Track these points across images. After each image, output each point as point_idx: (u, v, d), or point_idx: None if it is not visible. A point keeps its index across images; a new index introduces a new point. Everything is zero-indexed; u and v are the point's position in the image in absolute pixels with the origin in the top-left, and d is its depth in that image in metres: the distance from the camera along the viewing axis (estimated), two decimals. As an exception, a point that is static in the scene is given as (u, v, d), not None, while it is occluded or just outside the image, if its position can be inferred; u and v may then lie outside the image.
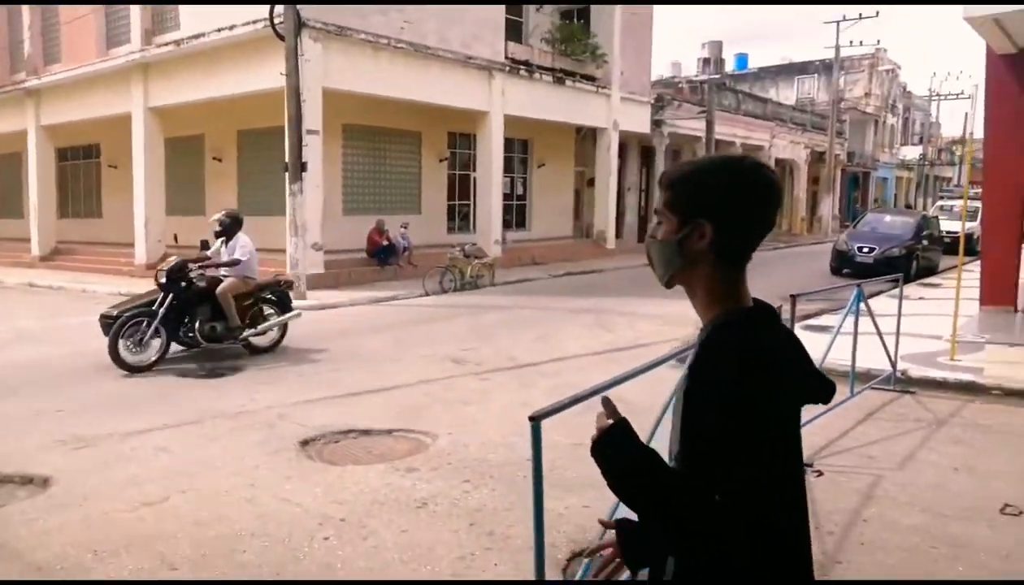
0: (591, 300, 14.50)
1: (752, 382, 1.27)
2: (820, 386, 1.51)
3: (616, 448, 1.39)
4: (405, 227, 18.59)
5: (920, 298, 13.62)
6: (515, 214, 24.47)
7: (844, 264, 18.29)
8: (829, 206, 36.48)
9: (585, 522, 4.29)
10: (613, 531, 1.50)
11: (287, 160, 14.16)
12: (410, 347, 10.00)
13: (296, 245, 14.40)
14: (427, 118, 20.03)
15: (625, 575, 1.56)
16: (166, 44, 17.35)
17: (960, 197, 31.55)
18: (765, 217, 1.41)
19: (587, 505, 4.55)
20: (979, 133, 11.26)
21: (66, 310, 13.86)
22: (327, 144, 16.91)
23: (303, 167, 14.13)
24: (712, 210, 1.38)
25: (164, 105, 18.50)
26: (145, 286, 16.16)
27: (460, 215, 22.40)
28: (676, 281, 1.48)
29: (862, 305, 7.30)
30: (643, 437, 3.47)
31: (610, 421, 1.43)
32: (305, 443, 5.94)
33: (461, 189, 22.34)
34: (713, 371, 1.32)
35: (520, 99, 20.68)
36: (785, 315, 5.86)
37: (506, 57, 20.27)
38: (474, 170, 21.56)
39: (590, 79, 23.37)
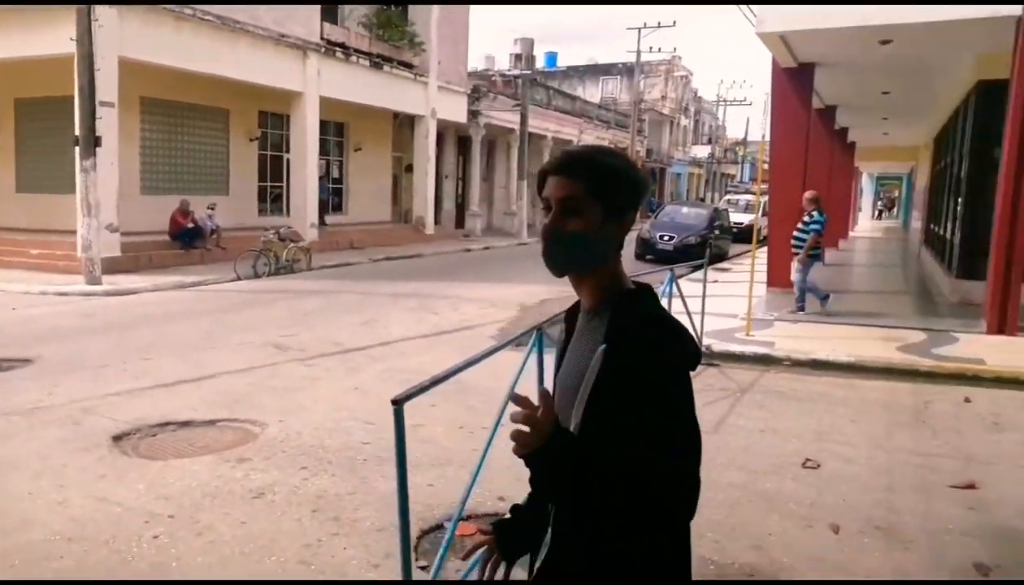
0: (414, 284, 14.45)
1: (686, 345, 1.34)
2: None
3: (562, 453, 1.27)
4: (212, 208, 17.50)
5: (715, 281, 14.81)
6: (331, 198, 23.84)
7: (648, 251, 19.54)
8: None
9: (431, 500, 4.29)
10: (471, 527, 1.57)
11: (78, 133, 12.83)
12: (226, 334, 9.47)
13: (89, 226, 13.12)
14: (236, 95, 18.95)
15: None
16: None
17: (745, 192, 34.78)
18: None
19: (431, 483, 4.56)
20: (768, 137, 12.45)
21: None
22: (123, 118, 15.52)
23: (96, 142, 12.88)
24: (634, 201, 1.44)
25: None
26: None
27: (272, 197, 21.47)
28: (590, 271, 1.46)
29: (674, 287, 7.85)
30: (492, 419, 3.56)
31: (548, 430, 1.27)
32: (118, 438, 5.46)
33: (273, 170, 21.41)
34: (655, 340, 1.32)
35: (337, 81, 20.12)
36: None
37: (322, 38, 19.62)
38: (287, 151, 20.74)
39: (408, 66, 23.19)
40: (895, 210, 56.48)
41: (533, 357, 3.95)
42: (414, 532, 3.95)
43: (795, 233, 10.62)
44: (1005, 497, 4.44)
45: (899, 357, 8.07)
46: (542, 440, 1.25)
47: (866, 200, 49.68)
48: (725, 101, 55.60)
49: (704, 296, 8.54)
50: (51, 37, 13.53)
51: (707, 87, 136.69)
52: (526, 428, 1.26)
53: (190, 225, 16.93)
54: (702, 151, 56.82)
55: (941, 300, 12.24)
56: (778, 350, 8.44)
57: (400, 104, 23.38)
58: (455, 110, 25.85)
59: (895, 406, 6.47)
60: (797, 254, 10.49)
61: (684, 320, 7.89)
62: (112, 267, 14.21)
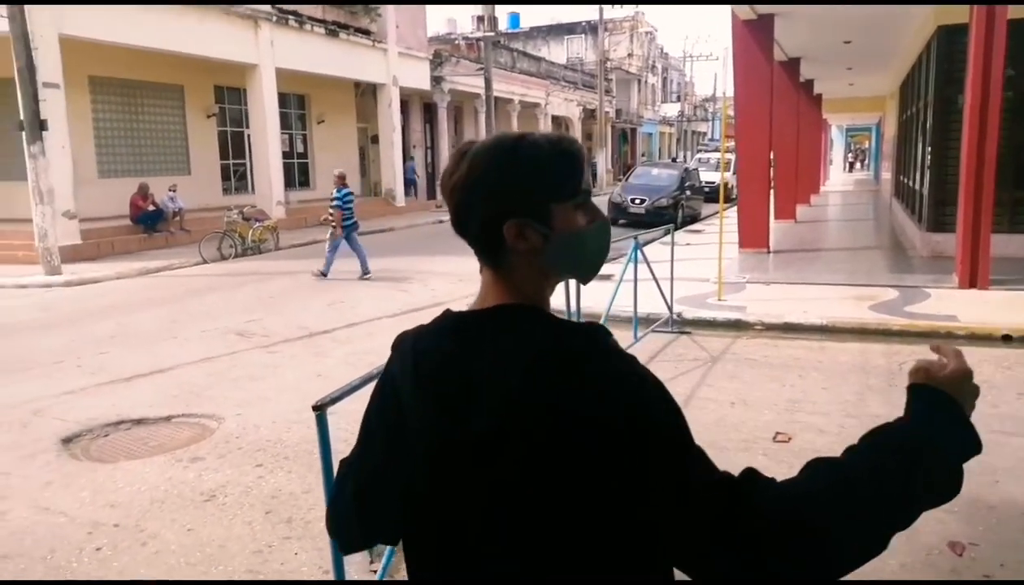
0: (384, 260, 14.15)
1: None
2: None
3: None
4: (173, 190, 17.05)
5: (687, 244, 14.67)
6: (297, 173, 23.35)
7: (619, 215, 19.33)
8: (603, 160, 38.41)
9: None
10: None
11: (22, 118, 12.33)
12: (188, 322, 9.19)
13: (43, 214, 12.68)
14: (189, 70, 18.39)
15: None
16: None
17: (716, 150, 34.59)
18: None
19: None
20: (731, 92, 12.22)
21: None
22: (73, 99, 15.00)
23: (42, 125, 12.39)
24: None
25: None
26: None
27: (236, 175, 20.99)
28: None
29: (641, 253, 7.68)
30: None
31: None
32: (68, 441, 5.24)
33: (235, 147, 20.90)
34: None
35: (292, 51, 19.56)
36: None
37: (273, 5, 19.01)
38: (247, 126, 20.23)
39: (365, 32, 22.63)
40: (866, 162, 56.69)
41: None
42: (372, 532, 3.79)
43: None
44: (978, 465, 4.32)
45: (871, 317, 7.99)
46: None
47: (837, 153, 49.78)
48: (692, 57, 55.16)
49: (672, 262, 8.37)
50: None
51: (673, 43, 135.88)
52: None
53: (151, 208, 16.51)
54: (672, 109, 56.44)
55: (913, 254, 12.20)
56: (750, 314, 8.32)
57: (360, 72, 22.84)
58: (418, 77, 25.33)
59: (868, 369, 6.39)
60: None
61: (653, 288, 7.80)
62: (73, 255, 13.82)
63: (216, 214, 16.86)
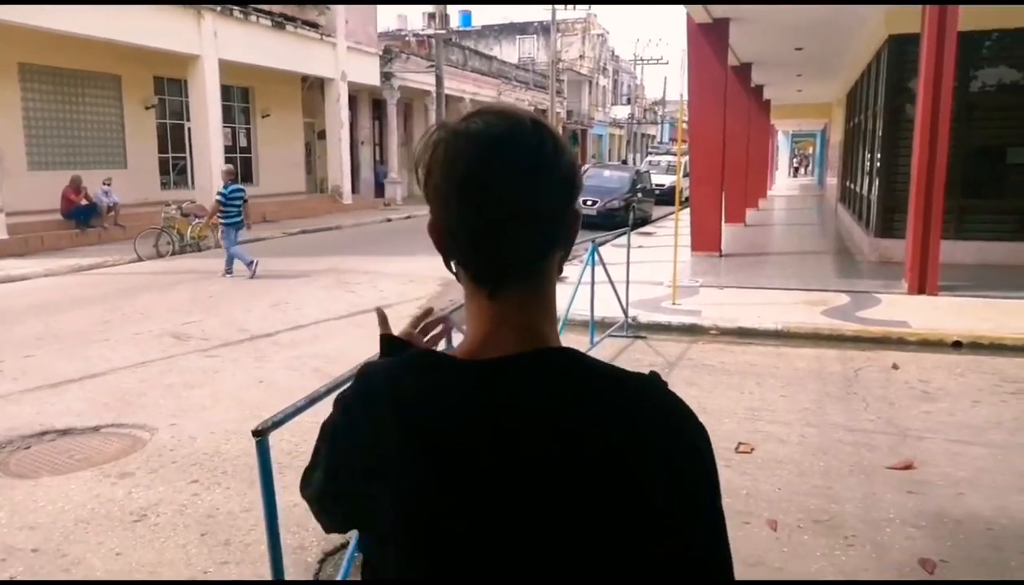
0: (330, 259, 13.80)
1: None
2: None
3: None
4: (108, 183, 16.35)
5: (639, 247, 14.62)
6: (240, 168, 22.65)
7: (570, 216, 19.24)
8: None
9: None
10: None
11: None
12: (121, 323, 8.72)
13: (-35, 208, 11.98)
14: (127, 60, 17.62)
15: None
16: None
17: (666, 153, 34.89)
18: None
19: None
20: (685, 95, 12.20)
21: None
22: (1, 87, 14.23)
23: (-34, 113, 11.68)
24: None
25: None
26: None
27: (176, 169, 20.25)
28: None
29: (598, 255, 7.53)
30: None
31: None
32: (-17, 454, 4.83)
33: (175, 140, 20.15)
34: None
35: (236, 43, 18.94)
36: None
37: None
38: (188, 119, 19.53)
39: (313, 26, 22.09)
40: (810, 167, 57.92)
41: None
42: (315, 555, 3.53)
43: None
44: (941, 477, 4.28)
45: (824, 322, 7.99)
46: None
47: (782, 158, 50.73)
48: (643, 60, 55.51)
49: (628, 264, 8.25)
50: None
51: (624, 46, 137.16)
52: None
53: (84, 202, 15.79)
54: (622, 112, 56.75)
55: (861, 259, 12.34)
56: (705, 319, 8.25)
57: (307, 66, 22.28)
58: (367, 72, 24.86)
59: (825, 376, 6.33)
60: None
61: (607, 291, 7.65)
62: (0, 251, 13.13)
63: (154, 209, 16.23)
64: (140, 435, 5.17)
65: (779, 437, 4.88)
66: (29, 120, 16.37)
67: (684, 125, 12.38)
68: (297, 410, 2.38)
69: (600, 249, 8.20)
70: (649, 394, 0.87)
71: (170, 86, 19.72)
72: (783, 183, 43.66)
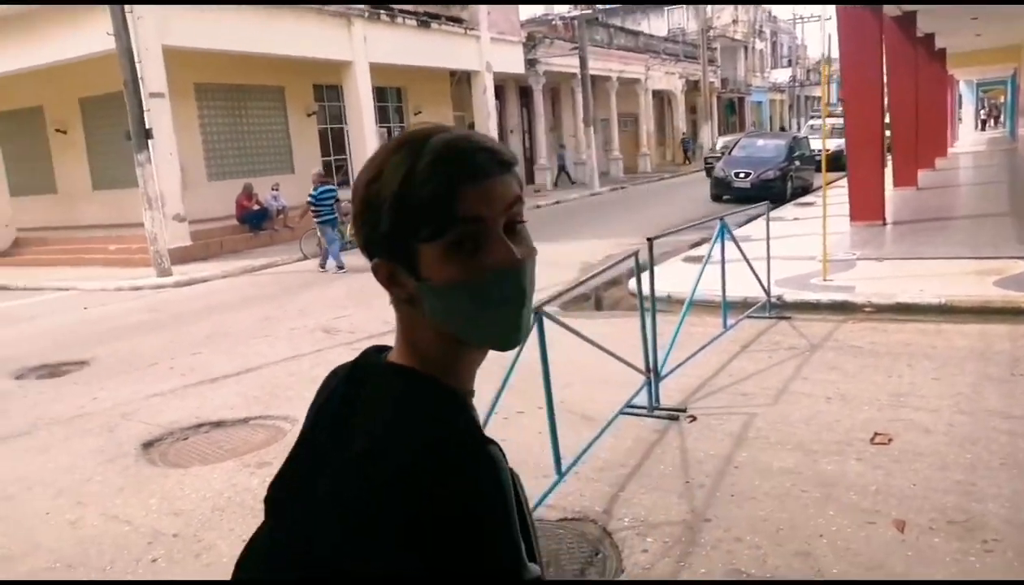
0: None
1: None
2: None
3: None
4: (276, 188, 17.57)
5: (795, 219, 13.85)
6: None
7: (723, 190, 18.53)
8: (708, 133, 37.07)
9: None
10: None
11: (129, 128, 12.94)
12: (280, 320, 9.36)
13: (153, 219, 13.29)
14: (288, 71, 18.84)
15: None
16: (-21, 8, 15.47)
17: (830, 116, 32.65)
18: None
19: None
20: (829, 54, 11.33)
21: None
22: (180, 106, 15.65)
23: (148, 134, 12.96)
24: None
25: (-12, 76, 16.65)
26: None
27: (338, 171, 21.43)
28: None
29: (742, 231, 7.19)
30: (529, 402, 3.15)
31: None
32: (148, 445, 5.35)
33: (336, 144, 21.34)
34: None
35: (385, 45, 19.70)
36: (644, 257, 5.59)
37: (364, 2, 19.20)
38: (346, 123, 20.60)
39: (457, 21, 22.55)
40: (1000, 118, 52.22)
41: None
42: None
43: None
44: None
45: (997, 293, 7.18)
46: None
47: (967, 110, 46.10)
48: (802, 18, 52.33)
49: (768, 240, 7.80)
50: (92, 35, 13.62)
51: (782, 6, 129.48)
52: None
53: (255, 207, 17.06)
54: (783, 75, 53.80)
55: (1051, 220, 11.00)
56: (858, 295, 7.66)
57: (453, 61, 22.81)
58: (511, 61, 25.07)
59: (989, 355, 5.69)
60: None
61: (745, 271, 7.27)
62: (184, 256, 14.45)
63: (319, 210, 17.27)
64: (282, 426, 5.53)
65: (924, 426, 4.44)
66: (206, 135, 17.92)
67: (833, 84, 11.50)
68: None
69: (751, 225, 7.81)
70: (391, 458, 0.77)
71: (328, 93, 20.86)
72: (968, 138, 39.66)
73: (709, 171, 26.20)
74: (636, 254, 5.23)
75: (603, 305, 9.41)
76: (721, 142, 29.12)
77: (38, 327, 10.19)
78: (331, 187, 13.58)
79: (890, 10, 13.26)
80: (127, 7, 12.61)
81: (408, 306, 0.85)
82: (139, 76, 13.07)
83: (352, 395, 0.86)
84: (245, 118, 18.97)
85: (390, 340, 3.71)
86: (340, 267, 12.94)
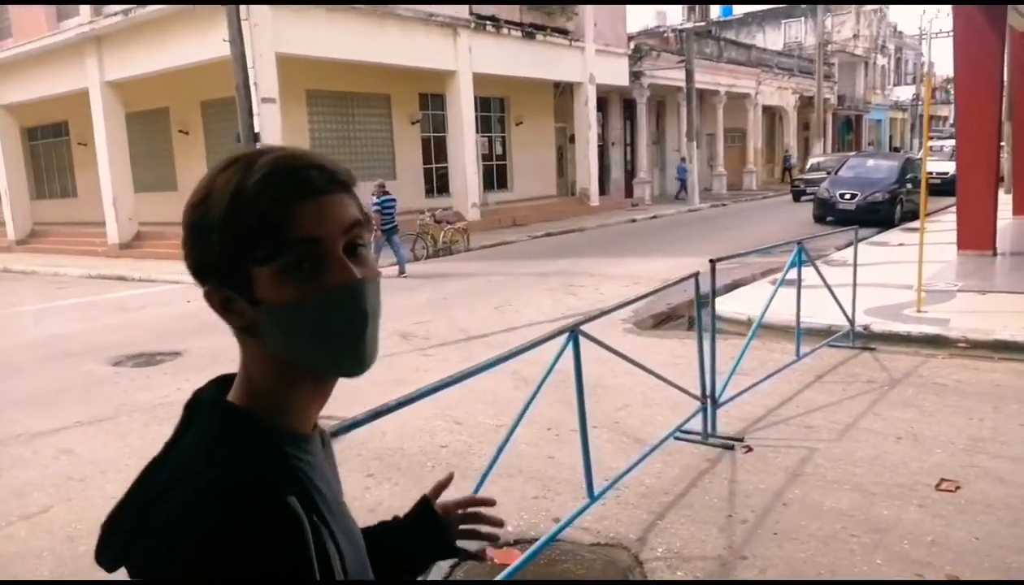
0: (563, 261, 14.07)
1: None
2: None
3: None
4: (375, 194, 18.06)
5: (900, 244, 13.19)
6: (496, 174, 23.92)
7: (826, 212, 17.80)
8: (820, 151, 35.70)
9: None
10: None
11: (239, 131, 13.64)
12: (362, 322, 9.61)
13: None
14: (395, 80, 19.42)
15: None
16: (115, 14, 16.68)
17: (951, 137, 30.82)
18: None
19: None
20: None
21: (28, 296, 13.50)
22: (291, 111, 16.37)
23: (256, 138, 13.61)
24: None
25: (121, 78, 17.91)
26: (120, 266, 16.00)
27: (438, 178, 21.87)
28: None
29: (840, 255, 6.90)
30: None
31: None
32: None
33: (437, 151, 21.77)
34: None
35: (489, 56, 19.99)
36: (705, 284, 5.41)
37: (471, 13, 19.55)
38: (447, 131, 21.02)
39: (562, 32, 22.63)
40: None
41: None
42: (448, 560, 3.62)
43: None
44: None
45: (1111, 335, 6.59)
46: None
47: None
48: (929, 34, 49.64)
49: (855, 266, 7.44)
50: (214, 41, 14.41)
51: (908, 20, 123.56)
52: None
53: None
54: (906, 92, 51.25)
55: None
56: (952, 329, 7.19)
57: (556, 72, 22.89)
58: (615, 73, 24.93)
59: (1088, 403, 5.24)
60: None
61: (823, 299, 6.96)
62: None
63: (419, 216, 17.68)
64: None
65: (999, 475, 4.11)
66: (315, 139, 18.66)
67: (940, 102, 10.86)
68: (346, 427, 2.46)
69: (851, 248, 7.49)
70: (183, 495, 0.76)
71: (433, 101, 21.34)
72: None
73: (796, 195, 25.18)
74: (696, 275, 5.09)
75: (693, 324, 9.22)
76: (812, 162, 27.89)
77: (144, 317, 10.85)
78: (391, 197, 14.05)
79: (1020, 24, 12.44)
80: (243, 16, 13.29)
81: (246, 335, 0.84)
82: (252, 81, 13.75)
83: (182, 429, 0.84)
84: (352, 124, 19.66)
85: (459, 349, 3.82)
86: (402, 272, 13.44)
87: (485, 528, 1.24)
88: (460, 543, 1.23)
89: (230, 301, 0.81)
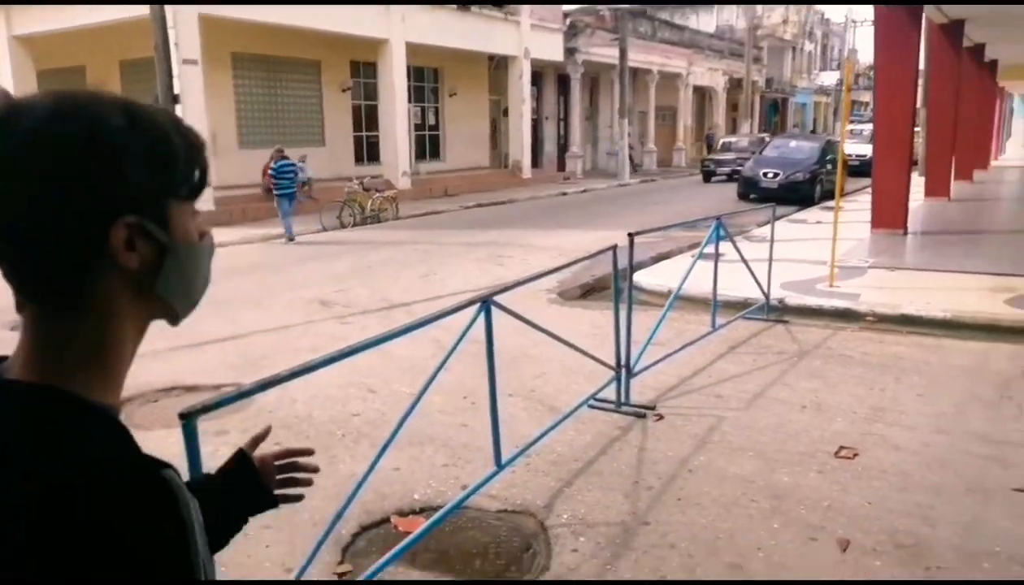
0: (492, 232, 14.00)
1: None
2: None
3: None
4: (303, 160, 17.63)
5: (818, 222, 13.51)
6: (428, 144, 23.63)
7: (750, 190, 18.19)
8: (748, 131, 36.41)
9: (387, 488, 3.87)
10: None
11: (157, 93, 13.05)
12: (280, 289, 9.37)
13: (174, 183, 13.41)
14: (326, 47, 18.89)
15: None
16: (22, -36, 15.72)
17: (869, 121, 31.83)
18: None
19: (397, 467, 4.13)
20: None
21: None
22: (215, 74, 15.76)
23: (175, 99, 13.05)
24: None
25: (31, 33, 16.95)
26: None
27: (369, 146, 21.47)
28: None
29: (760, 231, 7.00)
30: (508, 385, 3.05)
31: None
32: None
33: (368, 120, 21.35)
34: None
35: (422, 26, 19.62)
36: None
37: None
38: (380, 100, 20.62)
39: (497, 4, 22.37)
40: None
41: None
42: (351, 528, 3.55)
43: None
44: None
45: (1006, 312, 6.90)
46: None
47: (1017, 125, 44.62)
48: (855, 22, 51.04)
49: (772, 242, 7.60)
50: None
51: (835, 9, 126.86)
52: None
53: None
54: (831, 78, 52.63)
55: (1082, 240, 10.57)
56: (862, 303, 7.42)
57: (490, 45, 22.66)
58: (550, 49, 24.84)
59: (982, 375, 5.46)
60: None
61: (742, 272, 7.08)
62: (205, 221, 14.38)
63: (347, 184, 17.33)
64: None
65: (894, 443, 4.25)
66: (240, 104, 18.04)
67: (856, 87, 11.15)
68: (225, 400, 2.36)
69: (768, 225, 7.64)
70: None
71: (365, 69, 20.87)
72: (1015, 153, 38.43)
73: (707, 175, 25.51)
74: (615, 248, 5.10)
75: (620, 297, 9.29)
76: (723, 141, 28.30)
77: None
78: (290, 162, 13.87)
79: (937, 17, 12.83)
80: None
81: (120, 285, 0.73)
82: (172, 41, 13.15)
83: None
84: (280, 89, 19.07)
85: (379, 317, 3.64)
86: (291, 238, 13.31)
87: (302, 474, 1.26)
88: (278, 491, 1.23)
89: (145, 236, 0.72)
